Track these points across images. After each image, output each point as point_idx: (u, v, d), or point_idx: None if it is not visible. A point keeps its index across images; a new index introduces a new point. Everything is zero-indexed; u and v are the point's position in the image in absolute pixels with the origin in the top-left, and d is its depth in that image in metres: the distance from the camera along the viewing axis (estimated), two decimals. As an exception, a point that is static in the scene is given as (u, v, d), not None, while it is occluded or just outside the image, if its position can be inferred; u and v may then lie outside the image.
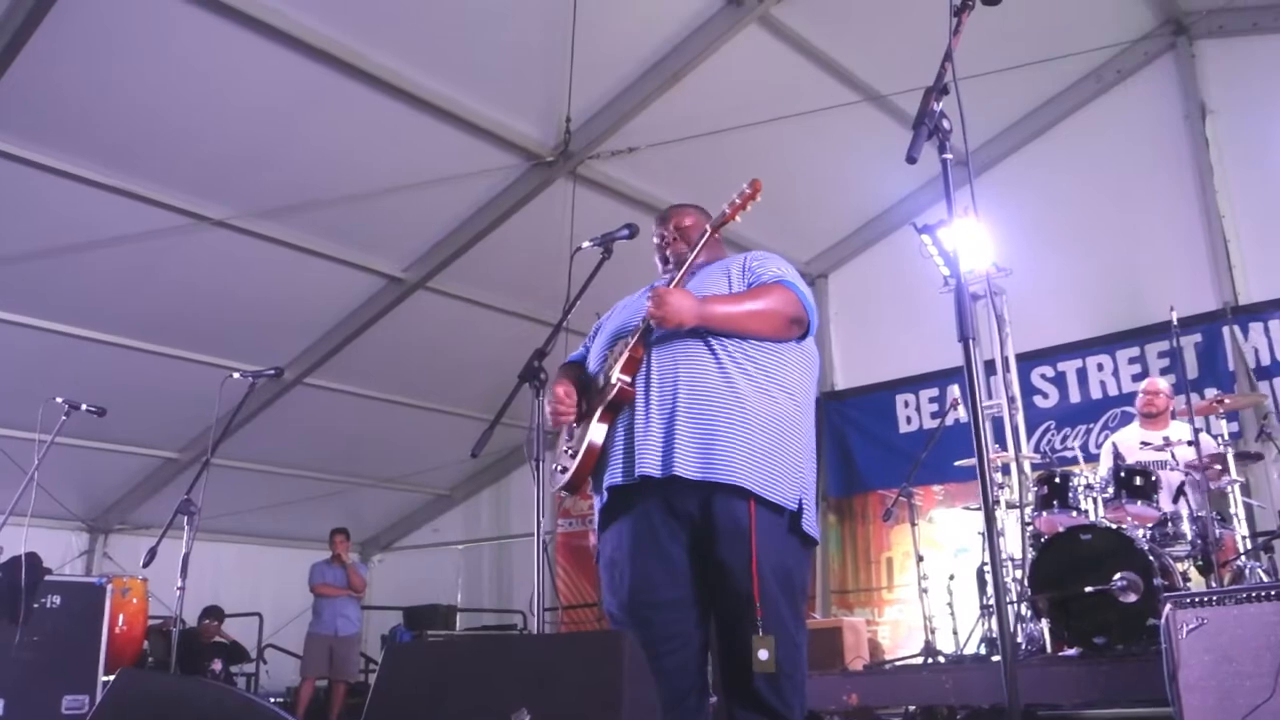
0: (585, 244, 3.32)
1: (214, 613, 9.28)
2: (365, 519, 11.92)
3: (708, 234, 2.79)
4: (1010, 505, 6.36)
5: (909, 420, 8.83)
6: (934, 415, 8.59)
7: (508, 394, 3.25)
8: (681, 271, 2.77)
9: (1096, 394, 7.97)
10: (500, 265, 8.34)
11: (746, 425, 2.57)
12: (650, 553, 2.58)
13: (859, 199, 8.87)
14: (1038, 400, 8.15)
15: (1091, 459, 7.03)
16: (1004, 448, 6.82)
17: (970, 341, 2.07)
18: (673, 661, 2.54)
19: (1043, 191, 8.30)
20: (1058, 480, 5.70)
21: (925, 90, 2.18)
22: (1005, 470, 6.59)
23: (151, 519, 9.89)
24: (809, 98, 7.36)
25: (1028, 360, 7.94)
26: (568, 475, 2.71)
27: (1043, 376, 8.21)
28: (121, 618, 6.41)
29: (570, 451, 2.74)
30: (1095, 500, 5.66)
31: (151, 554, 5.01)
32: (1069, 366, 8.13)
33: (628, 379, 2.67)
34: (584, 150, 7.38)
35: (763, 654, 2.39)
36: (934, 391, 8.68)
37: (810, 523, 2.63)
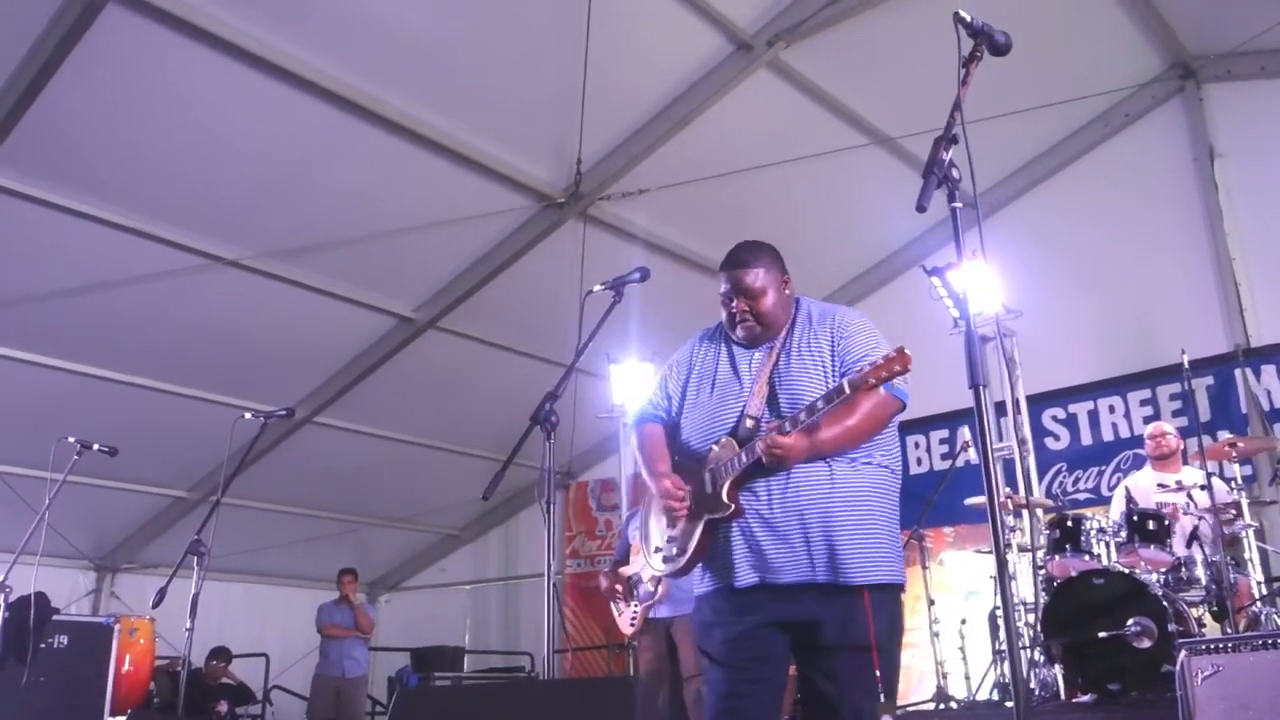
0: (597, 287, 3.34)
1: (221, 653, 9.23)
2: (373, 559, 11.87)
3: (847, 394, 2.59)
4: (1022, 549, 6.32)
5: (919, 462, 8.80)
6: (944, 457, 8.57)
7: (517, 434, 3.26)
8: (801, 426, 2.67)
9: (1108, 436, 7.95)
10: (511, 306, 8.37)
11: (859, 518, 2.69)
12: (761, 641, 2.72)
13: (868, 241, 8.91)
14: (1049, 442, 8.12)
15: (1103, 501, 7.00)
16: (1015, 490, 6.79)
17: (981, 389, 2.08)
18: (754, 701, 2.69)
19: (1052, 234, 8.33)
20: (1070, 524, 5.66)
21: (935, 140, 2.20)
22: (1017, 514, 6.56)
23: (159, 558, 9.87)
24: (818, 141, 7.42)
25: (1039, 402, 7.93)
26: (678, 566, 2.84)
27: (1054, 418, 8.18)
28: (129, 658, 6.39)
29: (677, 548, 2.86)
30: (1108, 544, 5.62)
31: (161, 594, 5.00)
32: (1080, 408, 8.11)
33: (737, 495, 2.76)
34: (595, 192, 7.44)
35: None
36: (944, 433, 8.66)
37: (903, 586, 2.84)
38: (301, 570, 11.16)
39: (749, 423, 2.79)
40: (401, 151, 6.75)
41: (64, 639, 5.85)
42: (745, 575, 2.72)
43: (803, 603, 2.67)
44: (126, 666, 6.33)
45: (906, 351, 2.56)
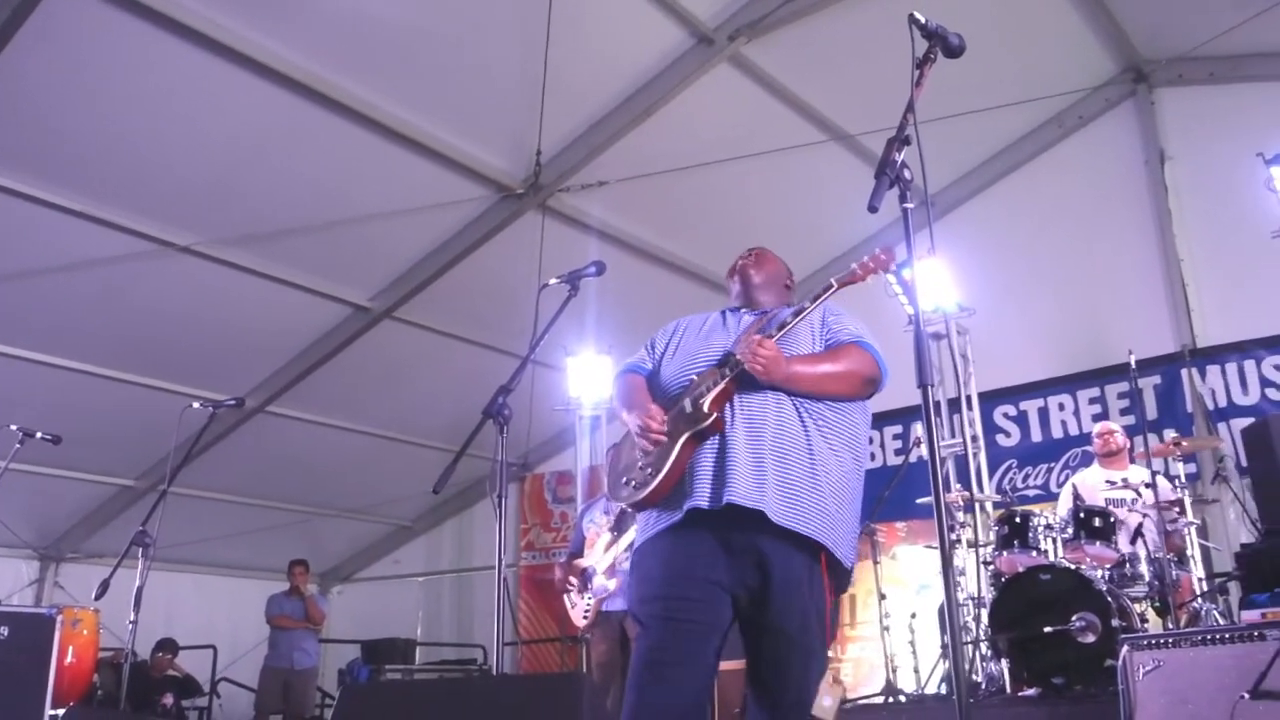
0: (553, 280, 3.35)
1: (167, 645, 9.12)
2: (325, 550, 11.77)
3: (833, 288, 2.84)
4: (971, 544, 6.40)
5: (873, 457, 8.87)
6: (898, 452, 8.65)
7: (471, 426, 3.25)
8: (786, 329, 2.82)
9: (1058, 433, 8.07)
10: (467, 296, 8.34)
11: (824, 485, 2.72)
12: (694, 567, 2.69)
13: (826, 236, 8.96)
14: (1000, 439, 8.23)
15: (1053, 498, 7.11)
16: (966, 486, 6.87)
17: (929, 388, 2.11)
18: (680, 673, 2.63)
19: (1006, 233, 8.43)
20: (1018, 520, 5.74)
21: (887, 141, 2.22)
22: (968, 509, 6.65)
23: (105, 548, 9.73)
24: (778, 136, 7.45)
25: (990, 399, 8.02)
26: (646, 491, 2.78)
27: (1005, 415, 8.29)
28: (71, 650, 6.26)
29: (650, 469, 2.80)
30: (1055, 540, 5.71)
31: (104, 587, 4.94)
32: (1031, 406, 8.22)
33: (718, 411, 2.77)
34: (554, 183, 7.42)
35: (827, 700, 2.55)
36: (898, 429, 8.74)
37: (850, 580, 2.84)
38: (251, 561, 11.05)
39: (733, 360, 2.82)
40: (359, 139, 6.69)
41: (4, 630, 5.72)
42: (701, 495, 2.70)
43: (758, 543, 2.65)
44: (69, 659, 6.21)
45: (892, 249, 2.74)
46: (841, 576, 2.76)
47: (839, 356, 2.84)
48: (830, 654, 2.77)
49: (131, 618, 4.85)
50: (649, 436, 2.81)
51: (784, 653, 2.65)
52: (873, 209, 2.17)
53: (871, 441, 8.84)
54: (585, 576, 5.73)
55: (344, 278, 7.99)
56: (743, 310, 3.08)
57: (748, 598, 2.67)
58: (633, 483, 2.84)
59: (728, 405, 2.78)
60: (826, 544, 2.68)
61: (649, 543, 2.83)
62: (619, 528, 5.63)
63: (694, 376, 2.86)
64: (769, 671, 2.66)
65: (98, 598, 4.93)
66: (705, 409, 2.76)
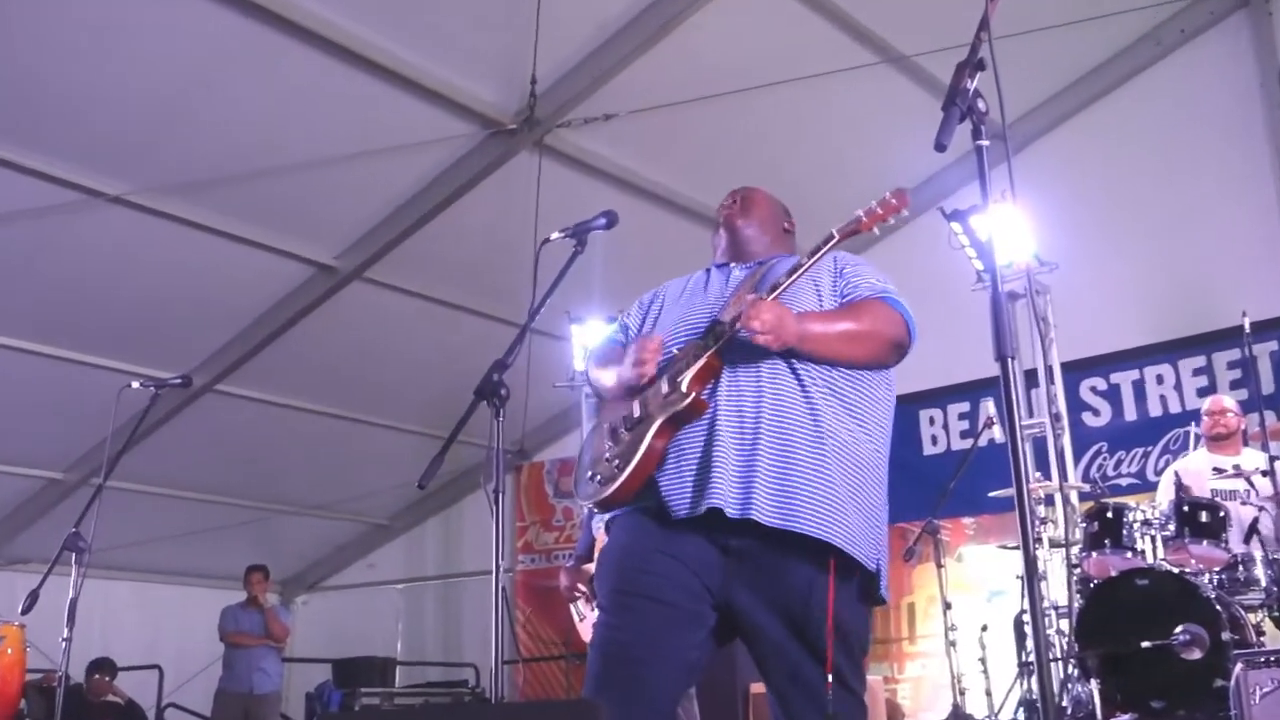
0: (554, 235, 3.32)
1: (105, 666, 9.20)
2: (287, 553, 11.86)
3: (835, 240, 2.74)
4: (1054, 544, 6.39)
5: (935, 441, 8.87)
6: (965, 434, 8.63)
7: (459, 405, 3.23)
8: (780, 290, 2.74)
9: (1155, 411, 8.03)
10: (452, 252, 8.34)
11: (830, 468, 2.65)
12: (670, 544, 2.67)
13: (876, 178, 8.81)
14: (1087, 418, 8.20)
15: (1149, 488, 7.08)
16: (1047, 476, 6.86)
17: (1009, 360, 2.09)
18: (644, 673, 2.59)
19: (1092, 172, 8.36)
20: (1110, 514, 5.73)
21: (957, 66, 2.20)
22: (1049, 502, 6.63)
23: (30, 553, 9.80)
24: (819, 58, 7.38)
25: (1075, 371, 7.99)
26: (612, 487, 2.72)
27: (1093, 390, 8.26)
28: (-7, 672, 6.34)
29: (617, 461, 2.75)
30: (1154, 539, 5.70)
31: (32, 599, 4.97)
32: (1124, 378, 8.18)
33: (701, 391, 2.72)
34: (552, 117, 7.39)
35: None
36: (964, 406, 8.72)
37: (884, 584, 2.76)
38: (201, 566, 11.13)
39: (719, 327, 2.77)
40: (322, 68, 6.67)
41: (-87, 650, 5.79)
42: (676, 497, 2.66)
43: (752, 548, 2.61)
44: (-9, 682, 6.28)
45: (905, 192, 2.68)
46: (868, 581, 2.70)
47: (860, 313, 2.78)
48: (887, 672, 2.76)
49: (64, 634, 4.88)
50: (640, 368, 2.77)
51: (784, 684, 2.63)
52: (940, 147, 2.14)
53: (933, 423, 9.01)
54: (595, 583, 5.75)
55: (305, 231, 8.00)
56: (732, 265, 3.03)
57: (740, 613, 2.64)
58: (598, 477, 2.79)
59: (713, 383, 2.73)
60: (836, 542, 2.60)
61: (622, 519, 2.81)
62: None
63: (675, 351, 2.81)
64: (777, 704, 2.65)
65: (24, 611, 4.97)
66: (684, 388, 2.70)
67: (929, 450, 8.83)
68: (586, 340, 8.31)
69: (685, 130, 7.71)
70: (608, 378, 2.97)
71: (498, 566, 3.09)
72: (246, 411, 9.46)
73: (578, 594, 5.87)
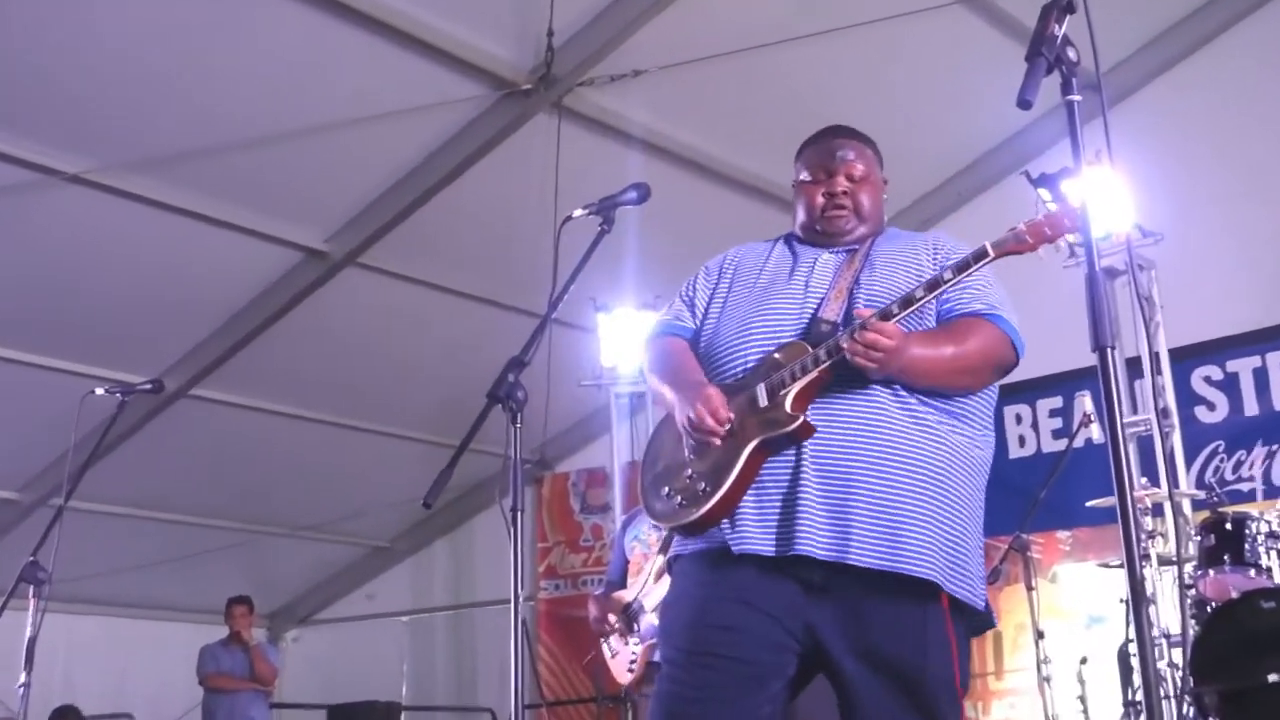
0: (578, 212, 3.34)
1: (69, 714, 9.30)
2: (275, 582, 11.92)
3: (990, 258, 2.76)
4: (1164, 561, 6.35)
5: (1023, 442, 8.83)
6: (1057, 434, 8.59)
7: (469, 410, 3.25)
8: (909, 310, 2.77)
9: (1281, 404, 7.98)
10: (460, 233, 8.37)
11: (936, 499, 2.73)
12: (747, 593, 2.72)
13: (950, 138, 8.87)
14: (1201, 413, 8.14)
15: (1276, 495, 7.04)
16: (1154, 481, 6.81)
17: (1109, 350, 2.09)
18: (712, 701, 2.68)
19: (1201, 129, 8.28)
20: (1229, 526, 5.69)
21: (1043, 8, 2.20)
22: (1157, 513, 6.58)
23: (-17, 584, 9.90)
24: (879, 0, 7.36)
25: (1187, 358, 7.93)
26: (697, 513, 2.76)
27: (1207, 380, 8.20)
28: (-57, 722, 6.41)
29: (704, 482, 2.78)
30: (1280, 553, 5.66)
31: (-14, 637, 5.02)
32: (1243, 366, 8.12)
33: (806, 410, 2.76)
34: (572, 75, 7.39)
35: None
36: (1056, 401, 8.68)
37: (993, 618, 2.86)
38: (177, 598, 11.20)
39: (824, 327, 2.82)
40: (310, 24, 6.70)
41: None
42: (758, 535, 2.70)
43: (846, 587, 2.66)
44: (-59, 733, 6.36)
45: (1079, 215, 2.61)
46: (974, 618, 2.78)
47: (967, 336, 2.83)
48: (971, 714, 2.78)
49: (22, 678, 4.94)
50: (704, 436, 2.79)
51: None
52: (1025, 104, 2.14)
53: (1020, 421, 8.97)
54: (630, 614, 5.76)
55: (291, 212, 8.04)
56: (821, 248, 3.06)
57: (830, 658, 2.69)
58: (678, 497, 2.83)
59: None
60: (946, 584, 2.68)
61: (686, 561, 2.86)
62: (676, 546, 5.66)
63: (775, 354, 2.84)
64: None
65: (-24, 653, 5.03)
66: (788, 407, 2.74)
67: (1016, 453, 8.78)
68: (617, 331, 8.33)
69: (724, 87, 7.70)
70: (664, 388, 3.00)
71: (516, 595, 3.10)
72: (226, 419, 9.52)
73: (610, 627, 5.88)
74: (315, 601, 12.52)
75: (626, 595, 5.81)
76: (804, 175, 3.15)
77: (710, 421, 2.76)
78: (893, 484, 2.70)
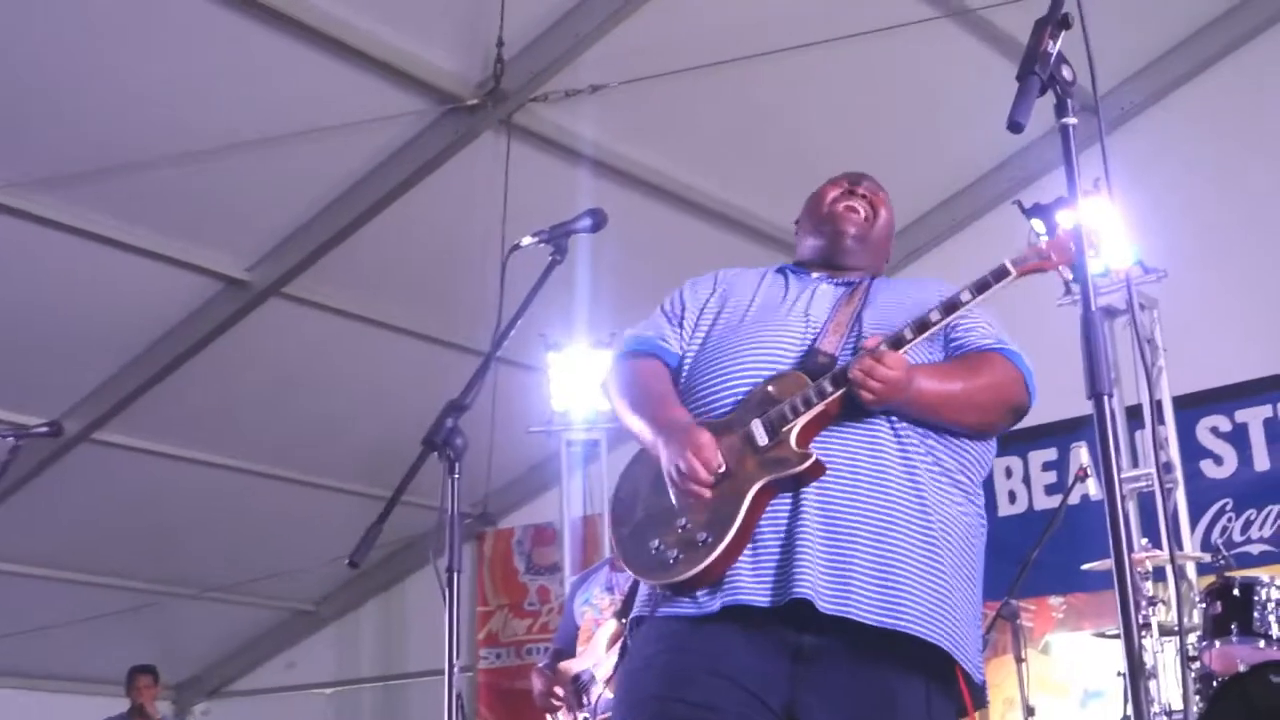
0: (526, 240, 3.34)
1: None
2: (184, 648, 11.81)
3: (1010, 276, 2.88)
4: (1166, 631, 6.37)
5: (1013, 498, 8.86)
6: (1050, 490, 8.61)
7: (404, 458, 3.24)
8: (922, 336, 2.82)
9: (1295, 458, 8.03)
10: (397, 261, 8.36)
11: (943, 558, 2.75)
12: (721, 663, 2.69)
13: (934, 164, 8.93)
14: (1207, 468, 8.19)
15: (1288, 558, 7.08)
16: (1156, 543, 6.85)
17: (1106, 398, 2.10)
18: None
19: (1209, 156, 8.37)
20: (1237, 592, 5.72)
21: (1036, 24, 2.22)
22: (1158, 577, 6.61)
23: None
24: (863, 13, 7.41)
25: (1192, 406, 7.98)
26: (697, 568, 2.70)
27: (1214, 431, 8.25)
28: None
29: (704, 532, 2.73)
30: (1293, 622, 5.68)
31: None
32: (1253, 416, 8.17)
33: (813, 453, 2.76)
34: (524, 89, 7.41)
35: None
36: (1050, 453, 8.71)
37: (985, 694, 2.88)
38: (73, 667, 11.07)
39: (821, 359, 2.83)
40: (233, 30, 6.69)
41: None
42: (751, 584, 2.68)
43: (839, 650, 2.65)
44: None
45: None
46: (974, 692, 2.79)
47: (978, 371, 2.88)
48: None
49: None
50: (695, 490, 2.74)
51: None
52: (1016, 126, 2.15)
53: (1010, 474, 9.00)
54: (580, 686, 5.73)
55: (210, 237, 8.01)
56: (816, 275, 3.09)
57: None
58: (673, 550, 2.76)
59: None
60: (953, 650, 2.69)
61: (656, 624, 2.81)
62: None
63: (768, 388, 2.83)
64: None
65: None
66: (794, 444, 2.73)
67: (1006, 510, 8.80)
68: (569, 372, 8.32)
69: (691, 105, 7.73)
70: (639, 422, 2.95)
71: (451, 665, 3.09)
72: (132, 466, 9.44)
73: (557, 701, 5.84)
74: (228, 671, 12.40)
75: (575, 665, 5.78)
76: (824, 187, 3.24)
77: (704, 474, 2.72)
78: (891, 535, 2.71)
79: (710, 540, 2.70)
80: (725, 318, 3.05)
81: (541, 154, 7.80)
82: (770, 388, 2.81)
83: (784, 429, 2.74)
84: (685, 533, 2.76)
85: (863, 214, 3.15)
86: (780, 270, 3.14)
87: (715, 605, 2.69)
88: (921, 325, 2.78)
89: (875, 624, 2.62)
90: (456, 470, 3.12)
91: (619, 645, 5.66)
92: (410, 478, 3.12)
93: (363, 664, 11.95)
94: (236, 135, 7.29)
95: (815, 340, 2.88)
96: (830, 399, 2.74)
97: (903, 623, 2.63)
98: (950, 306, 2.80)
